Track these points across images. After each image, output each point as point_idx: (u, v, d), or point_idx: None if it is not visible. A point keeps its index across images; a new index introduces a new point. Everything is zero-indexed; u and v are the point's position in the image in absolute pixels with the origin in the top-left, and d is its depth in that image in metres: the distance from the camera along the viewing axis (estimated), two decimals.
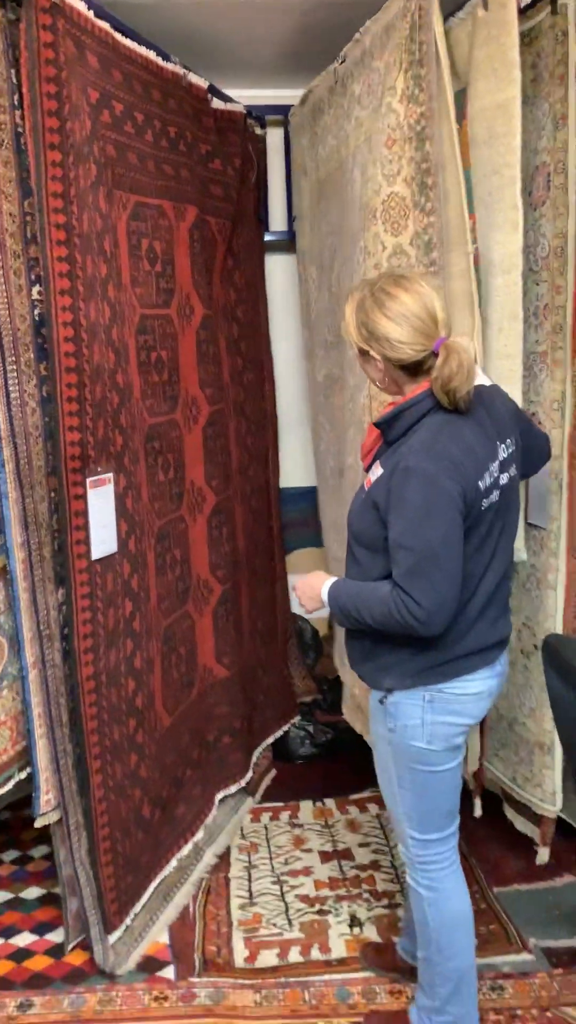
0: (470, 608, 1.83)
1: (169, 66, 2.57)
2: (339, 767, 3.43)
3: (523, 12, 2.07)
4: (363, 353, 1.85)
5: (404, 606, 1.71)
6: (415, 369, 1.80)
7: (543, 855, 2.53)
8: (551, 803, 2.41)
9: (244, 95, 3.25)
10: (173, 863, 2.65)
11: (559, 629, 2.32)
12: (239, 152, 3.07)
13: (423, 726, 1.88)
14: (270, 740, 3.47)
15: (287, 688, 3.67)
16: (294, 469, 3.81)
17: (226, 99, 3.02)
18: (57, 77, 1.99)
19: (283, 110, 3.49)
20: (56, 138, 1.99)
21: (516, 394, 2.14)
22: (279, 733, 3.52)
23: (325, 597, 1.91)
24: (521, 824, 2.60)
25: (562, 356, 2.24)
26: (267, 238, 3.57)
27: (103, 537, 2.23)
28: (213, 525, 2.91)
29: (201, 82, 2.76)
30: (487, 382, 1.96)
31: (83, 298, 2.09)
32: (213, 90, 2.88)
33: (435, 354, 1.75)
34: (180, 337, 2.67)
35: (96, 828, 2.26)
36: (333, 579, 1.93)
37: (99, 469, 2.19)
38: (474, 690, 1.89)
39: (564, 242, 2.18)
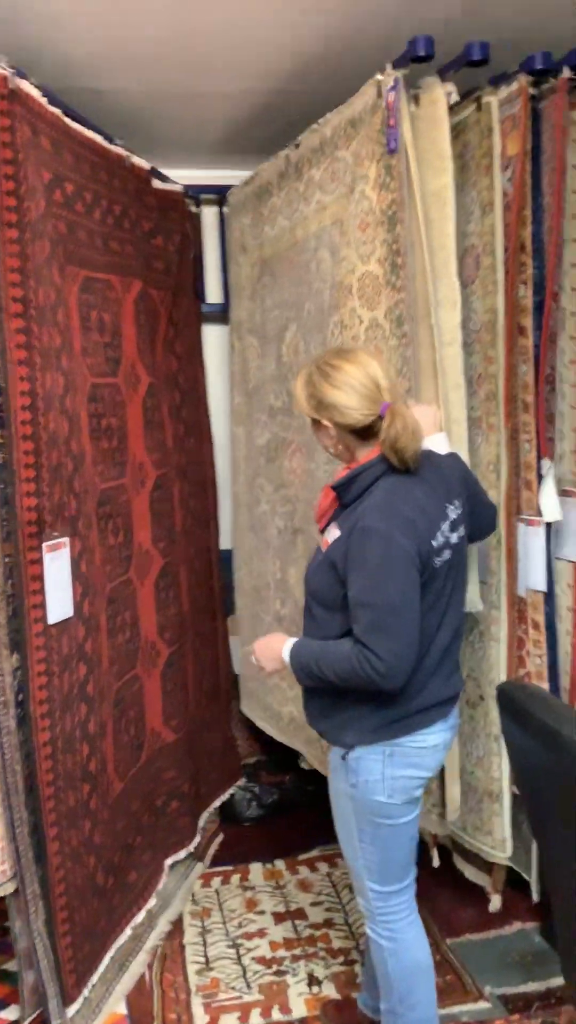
0: (426, 663, 1.91)
1: (114, 148, 2.69)
2: (287, 827, 3.44)
3: (452, 108, 2.26)
4: (316, 423, 1.97)
5: (367, 661, 1.78)
6: (365, 433, 1.91)
7: (495, 903, 2.59)
8: (501, 850, 2.47)
9: (180, 175, 3.40)
10: (128, 931, 2.62)
11: (503, 679, 2.43)
12: (179, 229, 3.21)
13: (383, 780, 1.94)
14: (216, 803, 3.46)
15: (231, 750, 3.68)
16: (225, 532, 3.88)
17: (165, 179, 3.16)
18: (14, 159, 2.08)
19: (217, 190, 3.67)
20: (13, 216, 2.07)
21: (464, 455, 2.27)
22: (225, 796, 3.51)
23: (286, 657, 1.97)
24: (472, 873, 2.66)
25: (496, 421, 2.39)
26: (203, 310, 3.70)
27: (59, 600, 2.25)
28: (160, 587, 2.95)
29: (143, 164, 2.90)
30: (444, 450, 2.10)
31: (39, 368, 2.15)
32: (154, 171, 3.02)
33: (381, 418, 1.87)
34: (128, 405, 2.75)
35: (53, 897, 2.23)
36: (293, 640, 1.99)
37: (55, 534, 2.22)
38: (432, 743, 1.97)
39: (494, 317, 2.35)
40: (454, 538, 1.94)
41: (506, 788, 2.42)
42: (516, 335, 2.37)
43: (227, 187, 3.60)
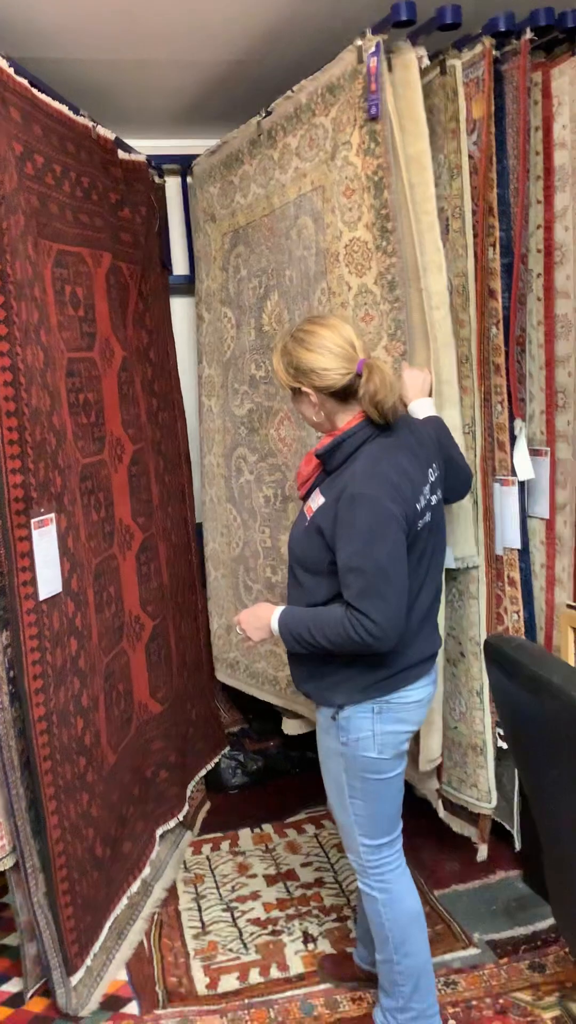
0: (410, 623, 1.96)
1: (80, 119, 2.65)
2: (272, 793, 3.50)
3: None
4: (296, 392, 2.00)
5: (360, 624, 1.83)
6: (344, 395, 1.94)
7: (483, 852, 2.67)
8: (487, 801, 2.55)
9: (141, 145, 3.37)
10: (124, 900, 2.66)
11: (483, 636, 2.49)
12: (144, 201, 3.17)
13: (374, 736, 2.00)
14: (203, 772, 3.51)
15: (215, 719, 3.72)
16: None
17: (129, 150, 3.12)
18: None
19: (179, 159, 3.63)
20: None
21: (455, 414, 2.32)
22: (211, 765, 3.56)
23: (275, 625, 2.00)
24: (458, 826, 2.74)
25: (469, 384, 2.43)
26: (170, 282, 3.67)
27: (48, 577, 2.25)
28: (141, 561, 2.97)
29: (108, 134, 2.86)
30: (428, 414, 2.13)
31: (20, 343, 2.14)
32: (118, 141, 2.98)
33: (359, 375, 1.91)
34: (103, 379, 2.73)
35: (54, 870, 2.26)
36: (280, 608, 2.03)
37: (42, 510, 2.22)
38: (416, 698, 2.03)
39: (464, 280, 2.38)
40: (433, 500, 2.00)
41: (489, 741, 2.49)
42: (487, 298, 2.41)
43: (190, 156, 3.56)
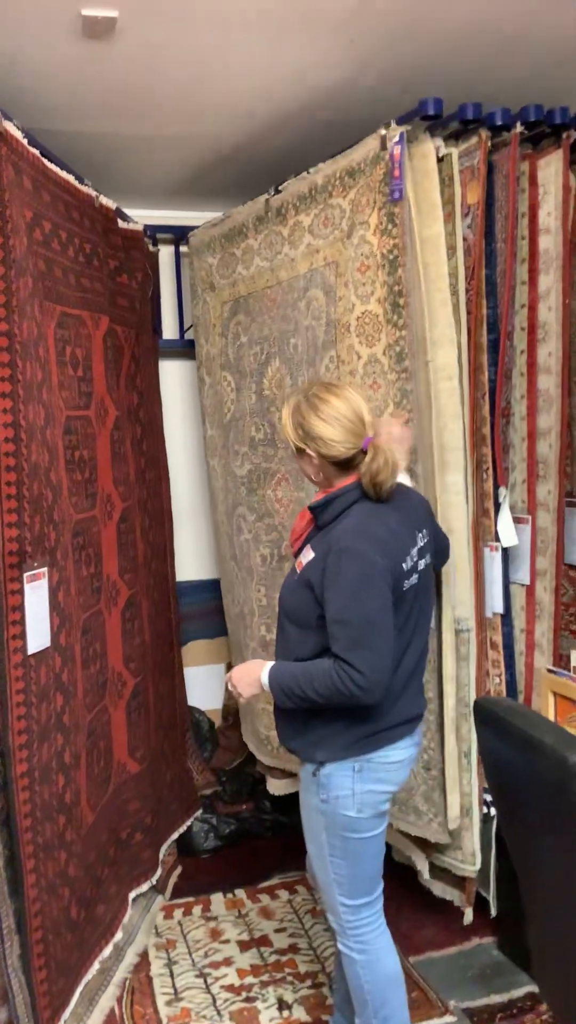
0: (395, 682, 2.00)
1: (84, 188, 2.76)
2: (245, 857, 3.47)
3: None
4: (299, 451, 2.06)
5: (348, 676, 1.87)
6: (346, 465, 2.02)
7: (468, 915, 2.68)
8: (471, 863, 2.57)
9: (136, 214, 3.49)
10: (96, 965, 2.60)
11: (472, 698, 2.53)
12: (141, 267, 3.28)
13: (353, 795, 2.02)
14: (175, 835, 3.46)
15: (189, 781, 3.69)
16: (188, 563, 3.95)
17: (127, 219, 3.24)
18: (1, 198, 2.13)
19: (173, 230, 3.78)
20: (1, 253, 2.12)
21: (459, 480, 2.43)
22: (183, 828, 3.52)
23: (265, 680, 2.03)
24: (440, 890, 2.75)
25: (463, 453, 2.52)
26: (160, 345, 3.78)
27: (38, 631, 2.27)
28: (126, 618, 2.98)
29: (110, 204, 2.97)
30: (408, 484, 2.21)
31: (23, 400, 2.19)
32: (119, 211, 3.10)
33: (363, 451, 1.98)
34: (98, 437, 2.79)
35: (30, 930, 2.22)
36: (270, 663, 2.06)
37: (35, 564, 2.25)
38: (397, 758, 2.06)
39: (459, 353, 2.49)
40: (421, 564, 2.06)
41: (475, 804, 2.52)
42: (477, 372, 2.52)
43: (182, 227, 3.72)
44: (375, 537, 1.93)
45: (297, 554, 2.14)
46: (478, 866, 2.57)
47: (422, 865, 2.72)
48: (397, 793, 2.23)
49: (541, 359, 2.59)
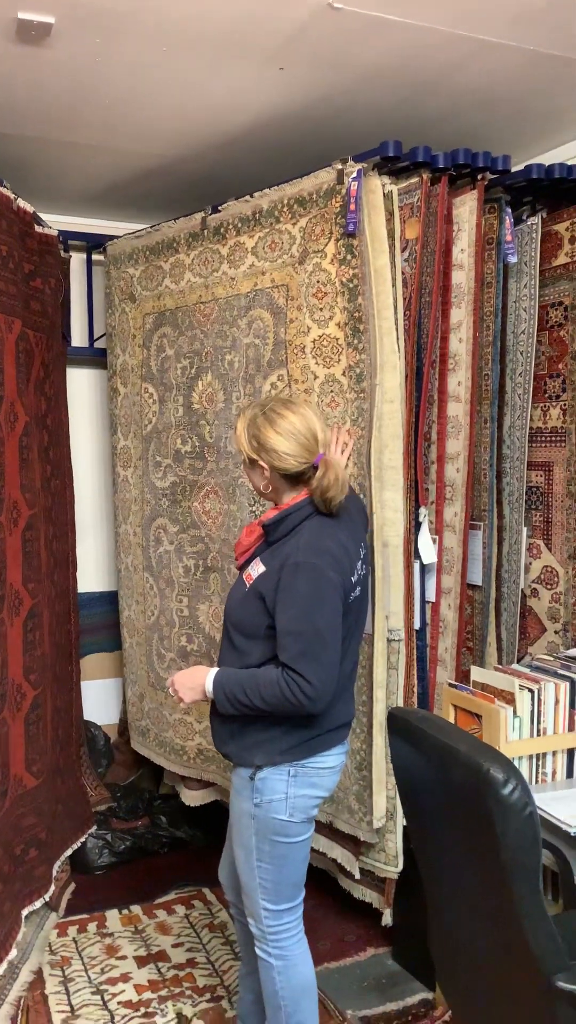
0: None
1: (2, 191, 2.72)
2: (141, 873, 3.43)
3: None
4: (252, 462, 2.11)
5: (296, 685, 1.91)
6: (296, 479, 2.08)
7: (387, 916, 2.75)
8: (394, 865, 2.65)
9: (51, 219, 3.46)
10: None
11: (401, 703, 2.61)
12: (54, 273, 3.25)
13: (286, 799, 2.06)
14: (69, 851, 3.39)
15: (83, 797, 3.62)
16: (90, 574, 3.90)
17: (43, 224, 3.20)
18: None
19: (85, 237, 3.76)
20: None
21: (397, 498, 2.53)
22: (77, 844, 3.45)
23: (210, 687, 2.04)
24: (359, 892, 2.81)
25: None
26: (68, 353, 3.74)
27: None
28: (28, 628, 2.92)
29: (27, 207, 2.93)
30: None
31: None
32: (35, 216, 3.06)
33: (314, 467, 2.05)
34: (6, 443, 2.73)
35: None
36: (215, 669, 2.08)
37: None
38: (330, 764, 2.12)
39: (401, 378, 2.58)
40: (363, 573, 2.14)
41: (399, 806, 2.58)
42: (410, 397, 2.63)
43: (96, 235, 3.70)
44: (328, 553, 1.98)
45: (243, 567, 2.16)
46: (400, 868, 2.64)
47: (351, 866, 2.76)
48: (334, 793, 2.26)
49: (451, 387, 2.71)
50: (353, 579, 2.05)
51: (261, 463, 2.07)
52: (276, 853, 2.08)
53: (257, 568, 2.07)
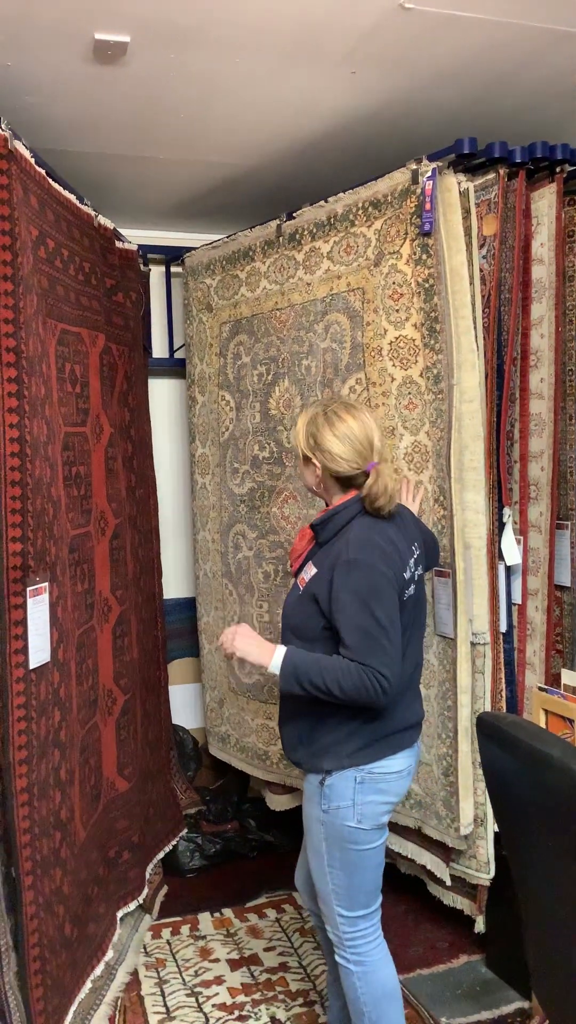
0: None
1: (84, 208, 2.79)
2: (230, 877, 3.46)
3: None
4: (306, 459, 2.13)
5: (374, 678, 1.91)
6: (347, 482, 2.09)
7: (480, 924, 2.71)
8: (485, 872, 2.61)
9: (130, 234, 3.53)
10: (88, 984, 2.58)
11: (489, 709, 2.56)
12: (135, 287, 3.32)
13: (354, 806, 2.05)
14: (161, 855, 3.45)
15: (174, 800, 3.68)
16: (172, 581, 3.96)
17: (123, 239, 3.27)
18: (10, 216, 2.15)
19: (164, 250, 3.83)
20: (9, 270, 2.14)
21: (479, 499, 2.49)
22: (169, 847, 3.50)
23: (278, 659, 2.01)
24: (450, 899, 2.78)
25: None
26: (149, 364, 3.81)
27: (39, 646, 2.26)
28: (117, 635, 2.99)
29: (108, 223, 3.01)
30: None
31: (28, 416, 2.20)
32: (115, 231, 3.13)
33: (366, 474, 2.04)
34: (93, 454, 2.80)
35: (27, 948, 2.20)
36: (284, 647, 2.05)
37: (37, 579, 2.25)
38: (397, 768, 2.10)
39: (481, 377, 2.53)
40: (417, 574, 2.12)
41: (489, 813, 2.54)
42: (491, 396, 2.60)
43: (174, 248, 3.77)
44: (379, 548, 1.99)
45: (297, 572, 2.17)
46: (492, 874, 2.60)
47: (442, 872, 2.73)
48: (422, 799, 2.21)
49: (533, 384, 2.66)
50: (406, 575, 2.04)
51: (315, 461, 2.10)
52: (347, 860, 2.08)
53: (309, 571, 2.09)
